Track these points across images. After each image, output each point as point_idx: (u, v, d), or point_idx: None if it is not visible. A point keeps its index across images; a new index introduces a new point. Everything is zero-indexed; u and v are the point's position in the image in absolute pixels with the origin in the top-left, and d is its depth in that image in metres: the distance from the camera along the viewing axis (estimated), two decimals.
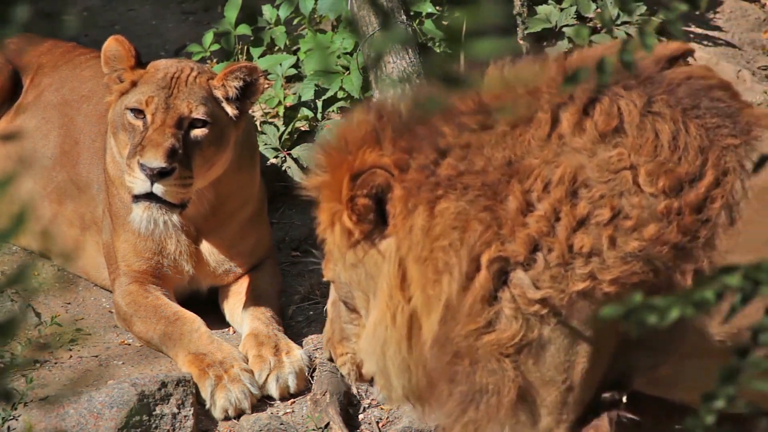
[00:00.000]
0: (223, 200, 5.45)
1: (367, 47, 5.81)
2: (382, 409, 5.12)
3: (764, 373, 2.35)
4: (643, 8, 6.45)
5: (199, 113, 5.19)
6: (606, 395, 3.59)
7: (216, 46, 6.62)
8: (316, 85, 6.21)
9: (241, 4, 6.59)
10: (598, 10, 6.59)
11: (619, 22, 6.45)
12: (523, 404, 3.54)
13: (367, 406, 5.13)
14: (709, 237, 3.42)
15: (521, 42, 6.23)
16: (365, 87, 6.07)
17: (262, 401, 5.18)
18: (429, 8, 6.29)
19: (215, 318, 5.53)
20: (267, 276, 5.58)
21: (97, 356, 5.35)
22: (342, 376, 4.37)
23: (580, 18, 6.61)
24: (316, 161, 3.67)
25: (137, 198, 5.11)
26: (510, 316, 3.46)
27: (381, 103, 3.66)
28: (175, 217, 5.14)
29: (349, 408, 5.13)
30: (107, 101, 5.35)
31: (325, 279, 3.79)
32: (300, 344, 5.34)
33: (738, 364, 2.30)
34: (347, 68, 6.19)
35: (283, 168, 6.16)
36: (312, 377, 5.21)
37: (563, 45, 6.49)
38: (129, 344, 5.43)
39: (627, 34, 6.38)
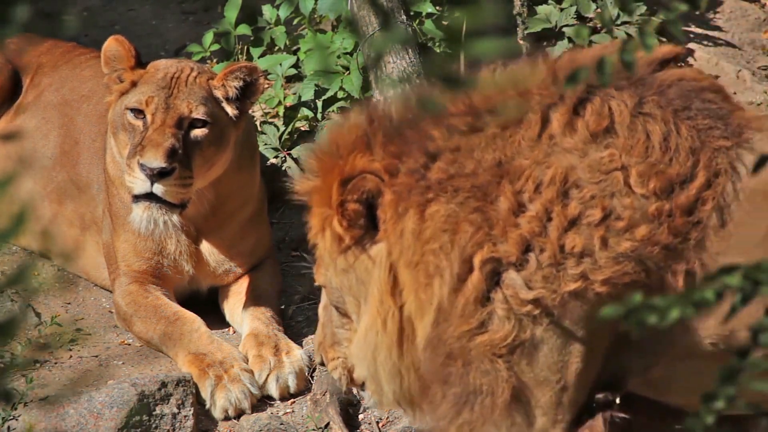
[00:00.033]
0: (223, 200, 5.45)
1: (367, 47, 5.81)
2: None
3: (764, 373, 2.35)
4: (643, 8, 6.45)
5: (199, 113, 5.19)
6: (600, 396, 3.60)
7: (216, 46, 6.62)
8: (316, 85, 6.21)
9: (241, 4, 6.59)
10: (598, 10, 6.59)
11: (619, 22, 6.45)
12: (518, 405, 3.53)
13: (367, 406, 5.13)
14: (699, 239, 3.42)
15: (521, 42, 6.23)
16: (365, 87, 6.07)
17: (262, 401, 5.18)
18: (429, 8, 6.29)
19: (215, 318, 5.53)
20: (267, 276, 5.58)
21: (97, 356, 5.35)
22: None
23: (580, 18, 6.61)
24: (307, 165, 3.67)
25: (137, 198, 5.11)
26: (502, 316, 3.45)
27: (373, 106, 3.65)
28: (175, 217, 5.14)
29: (349, 408, 5.13)
30: (107, 101, 5.35)
31: (316, 284, 3.80)
32: (300, 344, 5.34)
33: (738, 365, 2.30)
34: (347, 68, 6.19)
35: (283, 168, 6.16)
36: (312, 377, 5.21)
37: (563, 45, 6.49)
38: (129, 344, 5.43)
39: (627, 34, 6.37)
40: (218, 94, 5.28)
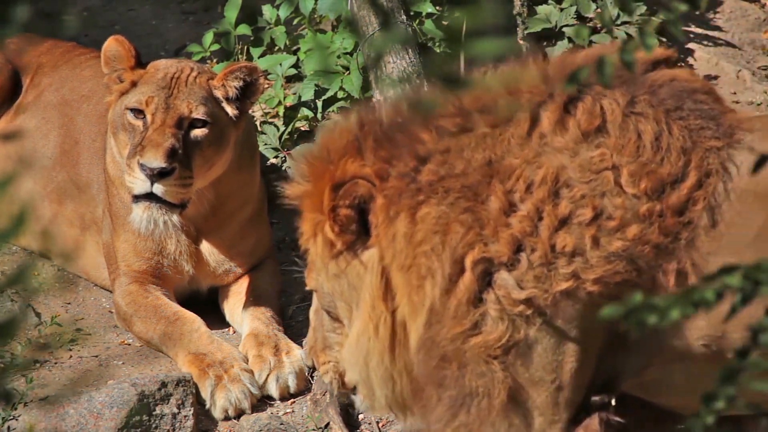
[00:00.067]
0: (223, 200, 5.45)
1: (367, 47, 5.81)
2: None
3: (764, 373, 2.35)
4: (643, 8, 6.45)
5: (199, 113, 5.19)
6: (595, 398, 3.59)
7: (216, 46, 6.62)
8: (316, 85, 6.21)
9: (241, 4, 6.59)
10: (598, 10, 6.59)
11: (619, 22, 6.45)
12: (515, 406, 3.53)
13: (358, 410, 5.13)
14: (690, 239, 3.42)
15: (521, 42, 6.23)
16: (365, 87, 6.07)
17: (262, 401, 5.18)
18: (429, 8, 6.29)
19: (215, 318, 5.53)
20: (267, 276, 5.59)
21: (97, 356, 5.35)
22: None
23: (580, 18, 6.61)
24: (298, 170, 3.67)
25: (137, 198, 5.12)
26: (495, 317, 3.45)
27: (364, 111, 3.65)
28: (175, 217, 5.14)
29: (349, 408, 5.13)
30: (107, 101, 5.36)
31: (307, 288, 3.79)
32: (300, 344, 5.34)
33: (738, 365, 2.30)
34: (347, 68, 6.19)
35: (283, 168, 6.16)
36: (312, 377, 5.21)
37: (563, 45, 6.49)
38: (129, 344, 5.43)
39: (627, 34, 6.37)
40: (218, 94, 5.29)
